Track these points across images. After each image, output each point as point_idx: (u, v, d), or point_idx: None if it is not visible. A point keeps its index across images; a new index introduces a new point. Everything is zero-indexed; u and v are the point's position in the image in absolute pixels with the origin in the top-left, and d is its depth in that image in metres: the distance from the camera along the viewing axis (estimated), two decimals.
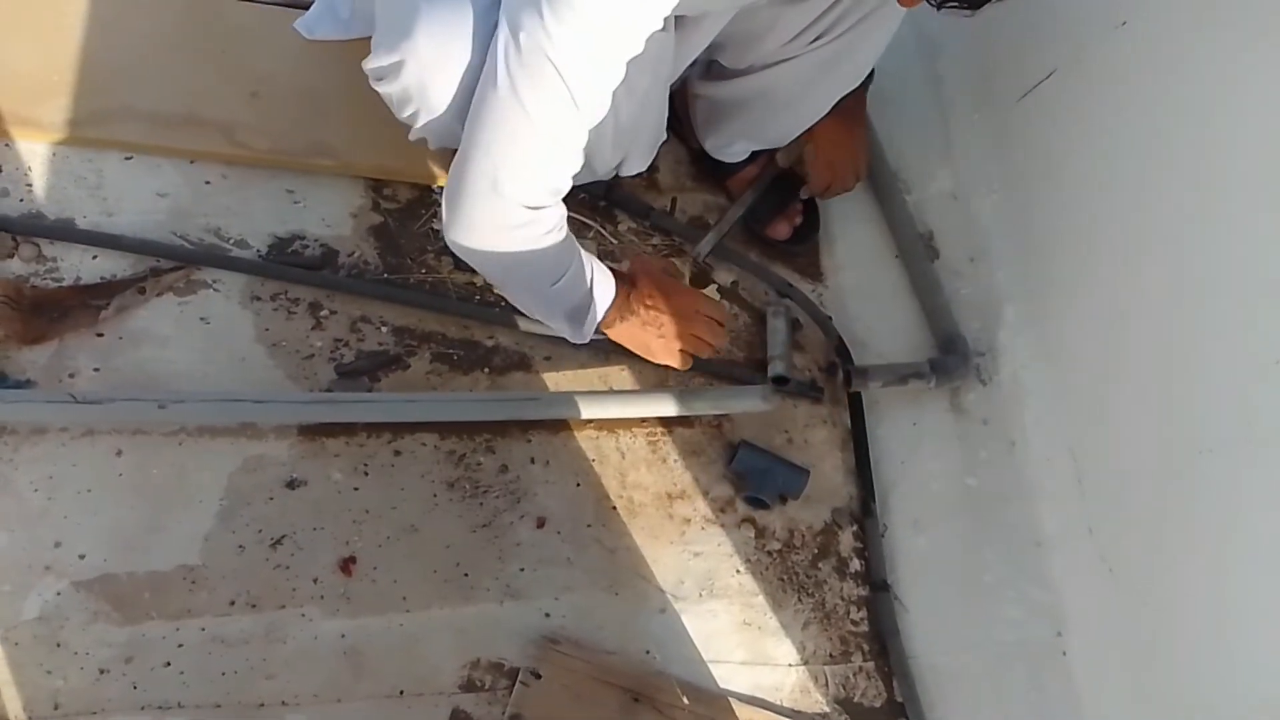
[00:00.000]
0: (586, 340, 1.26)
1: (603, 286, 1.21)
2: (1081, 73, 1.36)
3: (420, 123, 1.20)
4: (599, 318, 1.22)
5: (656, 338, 1.27)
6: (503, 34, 0.99)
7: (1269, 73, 1.07)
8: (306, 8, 1.50)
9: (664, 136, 1.42)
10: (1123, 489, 1.27)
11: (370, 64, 1.18)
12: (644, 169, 1.41)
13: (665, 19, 1.03)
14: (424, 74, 1.12)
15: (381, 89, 1.20)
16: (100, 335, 1.29)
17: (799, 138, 1.48)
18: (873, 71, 1.42)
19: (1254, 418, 1.09)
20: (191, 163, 1.41)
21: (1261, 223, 1.07)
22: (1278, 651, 1.06)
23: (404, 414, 1.33)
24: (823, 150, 1.46)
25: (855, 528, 1.45)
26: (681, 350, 1.29)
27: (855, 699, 1.36)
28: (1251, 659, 1.09)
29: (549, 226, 1.11)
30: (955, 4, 0.91)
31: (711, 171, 1.58)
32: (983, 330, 1.49)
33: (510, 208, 1.07)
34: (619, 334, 1.27)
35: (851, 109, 1.45)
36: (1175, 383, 1.19)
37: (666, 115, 1.37)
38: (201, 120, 1.41)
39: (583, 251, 1.20)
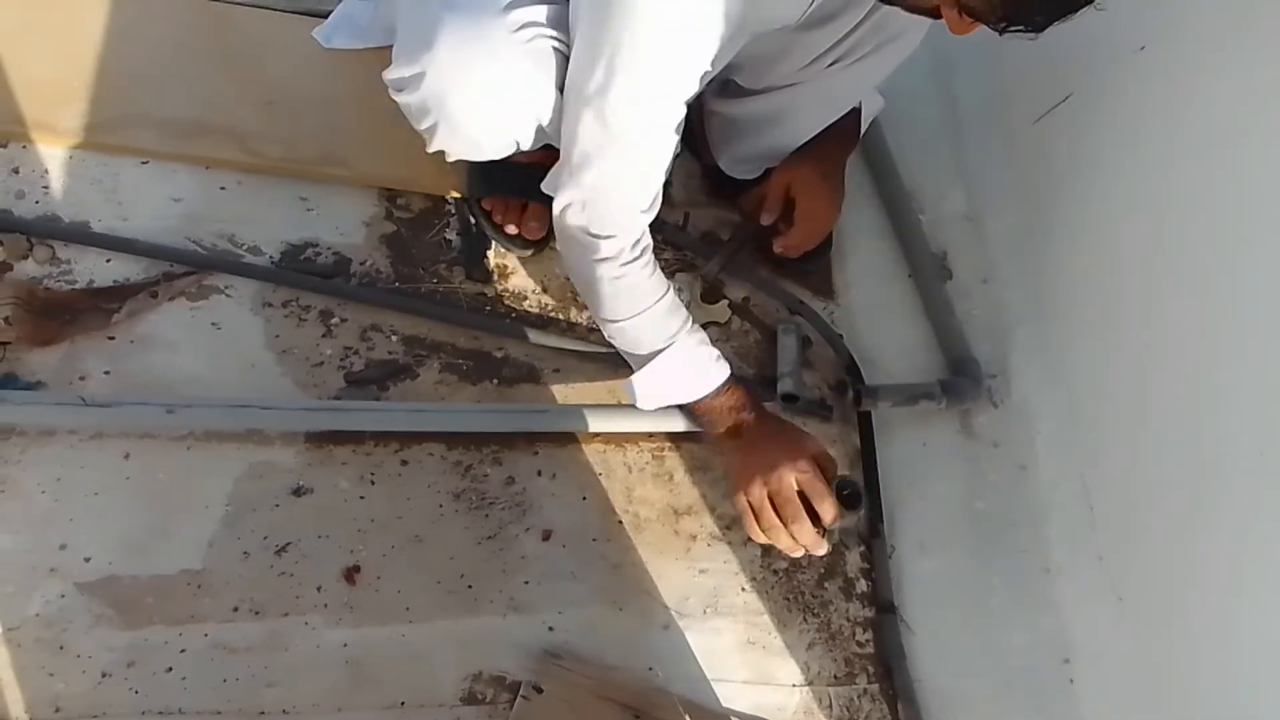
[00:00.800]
0: (643, 405, 1.27)
1: (695, 367, 1.22)
2: (1098, 97, 1.35)
3: (439, 134, 1.21)
4: (675, 391, 1.24)
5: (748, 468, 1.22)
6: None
7: None
8: (324, 16, 1.51)
9: (678, 150, 1.42)
10: (1134, 517, 1.26)
11: (390, 74, 1.19)
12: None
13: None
14: (444, 86, 1.13)
15: (401, 99, 1.21)
16: (111, 338, 1.30)
17: (776, 189, 1.44)
18: (858, 116, 1.42)
19: (1270, 446, 1.08)
20: (206, 169, 1.41)
21: None
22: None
23: (412, 424, 1.33)
24: (805, 209, 1.41)
25: (862, 548, 1.44)
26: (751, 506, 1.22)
27: None
28: (1261, 693, 1.07)
29: (603, 254, 1.14)
30: (1019, 28, 0.90)
31: (724, 187, 1.57)
32: (994, 352, 1.48)
33: (571, 233, 1.14)
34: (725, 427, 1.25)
35: (835, 158, 1.42)
36: (1190, 410, 1.18)
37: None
38: (217, 127, 1.42)
39: (684, 332, 1.20)
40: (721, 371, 1.24)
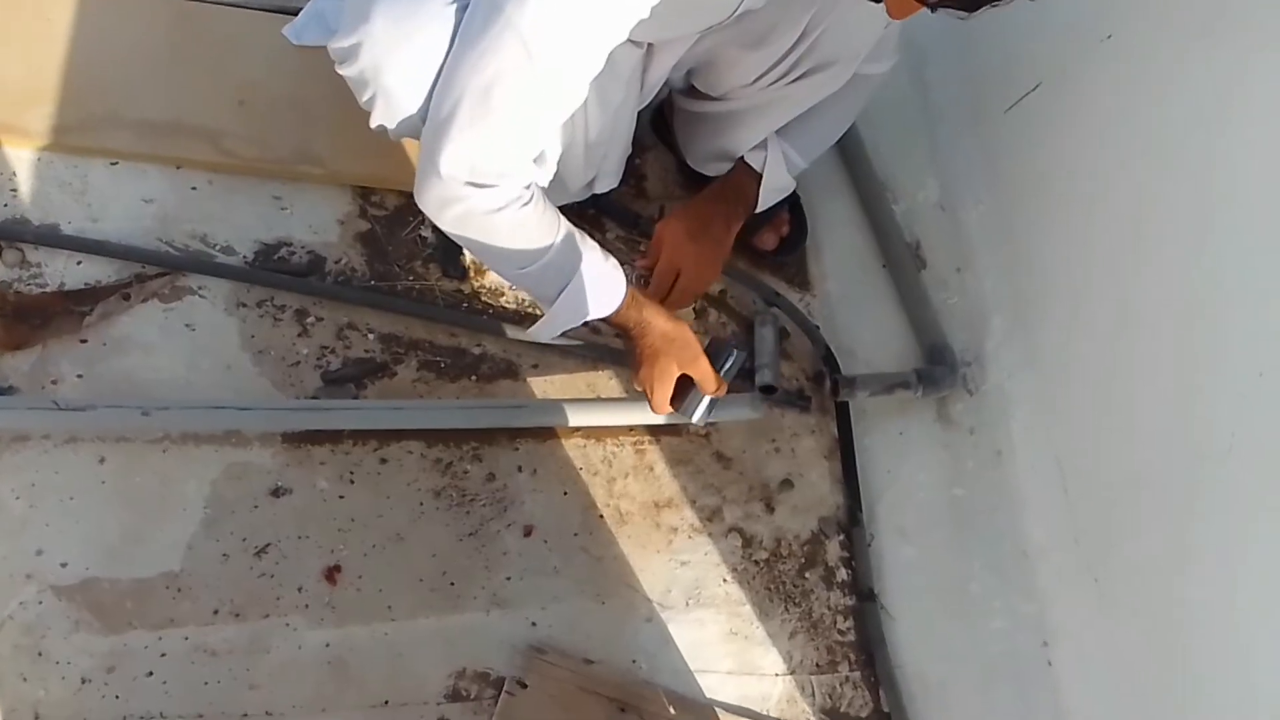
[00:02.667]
0: (548, 338, 1.26)
1: (598, 288, 1.20)
2: (1068, 85, 1.37)
3: (377, 108, 1.20)
4: (585, 317, 1.20)
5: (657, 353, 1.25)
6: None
7: (1255, 84, 1.08)
8: (294, 13, 1.50)
9: (630, 152, 1.42)
10: (1110, 499, 1.27)
11: (332, 45, 1.18)
12: (615, 185, 1.42)
13: (637, 40, 1.04)
14: (378, 57, 1.12)
15: (343, 72, 1.19)
16: (84, 341, 1.29)
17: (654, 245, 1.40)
18: (757, 182, 1.41)
19: (1243, 427, 1.09)
20: (178, 169, 1.40)
21: (1252, 231, 1.08)
22: (1265, 658, 1.06)
23: (390, 421, 1.33)
24: (681, 283, 1.37)
25: (842, 537, 1.45)
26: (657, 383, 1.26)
27: (842, 709, 1.36)
28: (1237, 668, 1.09)
29: (495, 205, 1.09)
30: (950, 5, 0.91)
31: (698, 181, 1.58)
32: (970, 340, 1.49)
33: (450, 182, 1.07)
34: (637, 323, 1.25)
35: (708, 217, 1.38)
36: (1164, 392, 1.19)
37: (633, 133, 1.38)
38: (188, 127, 1.41)
39: (587, 252, 1.18)
40: (621, 277, 1.22)
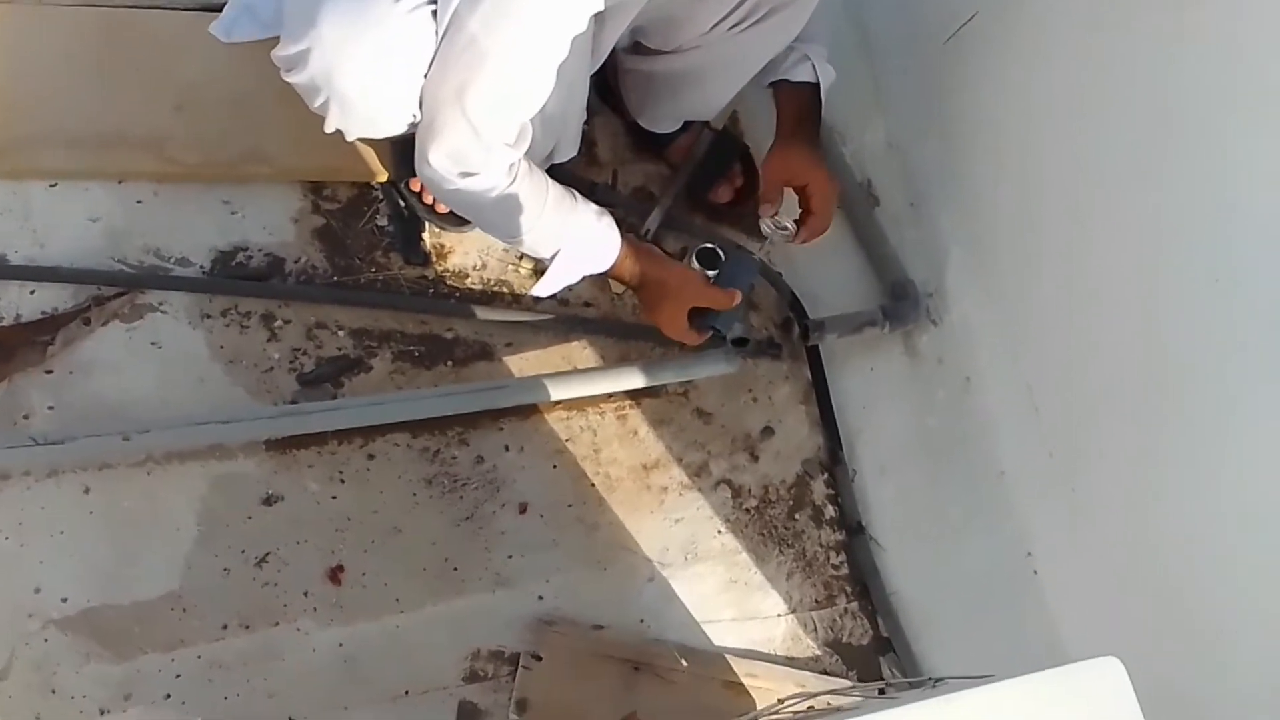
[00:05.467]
0: (547, 294, 1.29)
1: (593, 246, 1.24)
2: (1005, 11, 1.39)
3: (332, 112, 1.19)
4: (581, 274, 1.25)
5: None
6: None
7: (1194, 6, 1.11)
8: (216, 9, 1.45)
9: (584, 117, 1.42)
10: (1080, 412, 1.32)
11: (278, 53, 1.17)
12: (575, 154, 1.42)
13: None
14: (330, 61, 1.11)
15: (291, 79, 1.19)
16: (50, 372, 1.26)
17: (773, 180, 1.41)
18: (817, 91, 1.41)
19: (1203, 330, 1.14)
20: (120, 183, 1.37)
21: (1201, 143, 1.11)
22: (1235, 542, 1.12)
23: (372, 417, 1.33)
24: (816, 196, 1.38)
25: (826, 476, 1.49)
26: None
27: (844, 640, 1.41)
28: (1210, 555, 1.15)
29: (483, 187, 1.14)
30: None
31: (648, 142, 1.58)
32: (930, 273, 1.52)
33: (439, 174, 1.13)
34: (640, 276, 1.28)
35: (814, 136, 1.40)
36: (1126, 305, 1.23)
37: (587, 99, 1.38)
38: (126, 139, 1.37)
39: (580, 213, 1.22)
40: (616, 233, 1.26)
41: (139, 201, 1.37)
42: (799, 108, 1.39)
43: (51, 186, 1.34)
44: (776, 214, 1.38)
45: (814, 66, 1.38)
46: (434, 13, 1.07)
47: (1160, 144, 1.16)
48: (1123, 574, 1.29)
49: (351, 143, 1.35)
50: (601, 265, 1.25)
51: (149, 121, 1.38)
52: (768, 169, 1.39)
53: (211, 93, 1.40)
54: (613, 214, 1.52)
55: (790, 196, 1.37)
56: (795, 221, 1.38)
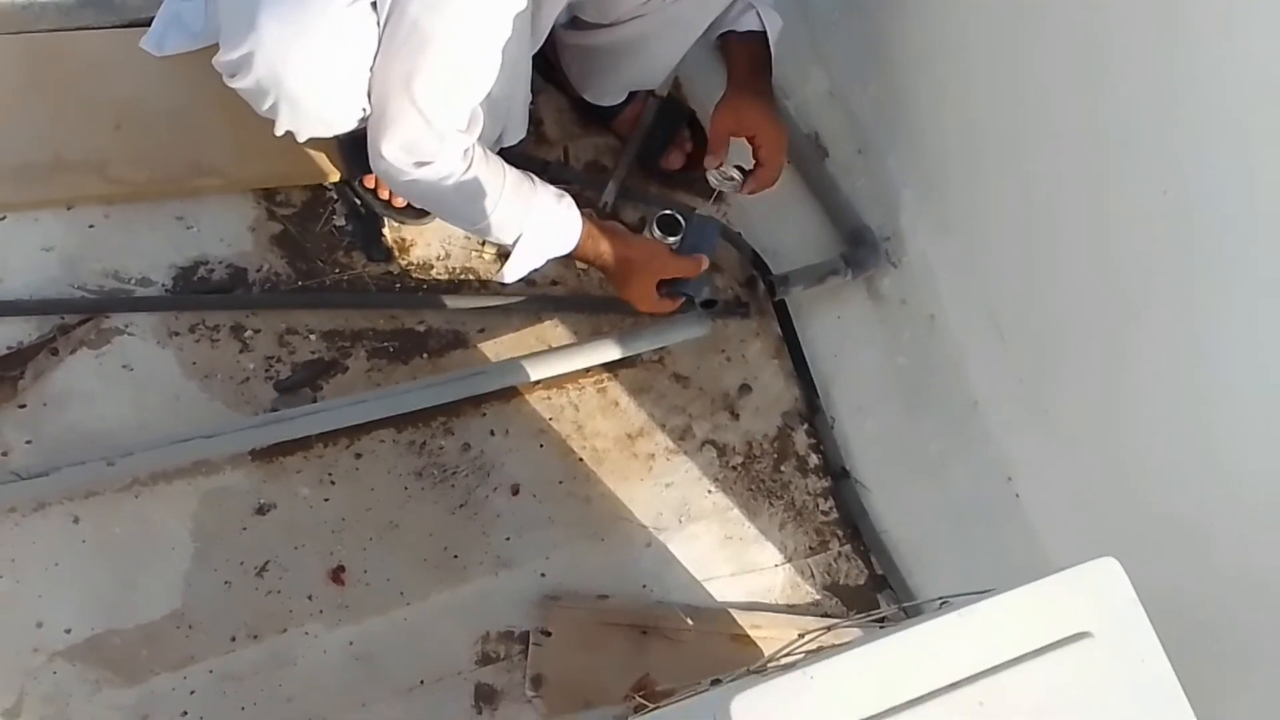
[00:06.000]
0: (514, 279, 1.29)
1: (554, 229, 1.25)
2: None
3: (282, 114, 1.18)
4: (545, 257, 1.26)
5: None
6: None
7: None
8: (145, 23, 1.43)
9: (530, 99, 1.42)
10: (1044, 335, 1.37)
11: (220, 59, 1.16)
12: (523, 135, 1.42)
13: None
14: (275, 63, 1.11)
15: (236, 85, 1.18)
16: (23, 406, 1.24)
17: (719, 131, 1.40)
18: (765, 38, 1.39)
19: (1155, 242, 1.18)
20: (69, 209, 1.35)
21: (1142, 57, 1.14)
22: (1207, 438, 1.17)
23: (355, 416, 1.33)
24: (765, 146, 1.36)
25: (806, 426, 1.52)
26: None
27: (841, 582, 1.45)
28: (1186, 453, 1.20)
29: (438, 176, 1.15)
30: None
31: (595, 116, 1.59)
32: (885, 217, 1.55)
33: (394, 166, 1.14)
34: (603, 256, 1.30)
35: (765, 86, 1.38)
36: (1078, 224, 1.27)
37: (530, 80, 1.38)
38: (70, 164, 1.35)
39: (539, 196, 1.23)
40: (576, 213, 1.27)
41: (91, 226, 1.35)
42: (748, 58, 1.38)
43: (0, 220, 1.32)
44: (721, 165, 1.38)
45: (759, 14, 1.37)
46: (374, 4, 1.07)
47: (1097, 61, 1.20)
48: (1101, 484, 1.34)
49: (299, 146, 1.34)
50: (565, 246, 1.26)
51: (89, 144, 1.36)
52: (715, 120, 1.38)
53: (149, 108, 1.39)
54: (569, 191, 1.53)
55: (742, 147, 1.37)
56: (741, 170, 1.38)
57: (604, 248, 1.28)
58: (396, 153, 1.13)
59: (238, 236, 1.40)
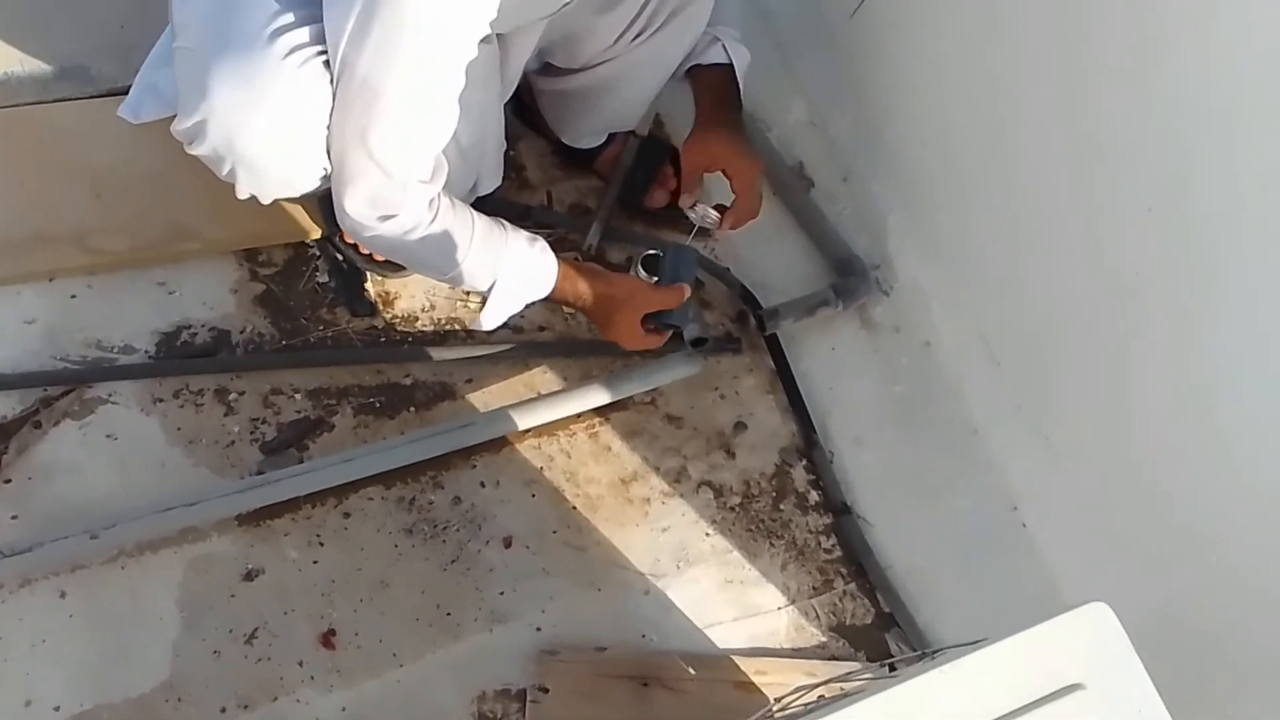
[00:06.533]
0: (493, 326, 1.27)
1: (530, 273, 1.24)
2: None
3: (241, 179, 1.18)
4: (523, 303, 1.25)
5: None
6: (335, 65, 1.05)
7: None
8: (124, 91, 1.44)
9: (505, 146, 1.41)
10: (1040, 360, 1.34)
11: (176, 127, 1.15)
12: (499, 183, 1.42)
13: (485, 37, 1.05)
14: (228, 129, 1.10)
15: (194, 152, 1.17)
16: (8, 482, 1.24)
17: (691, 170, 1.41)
18: (732, 72, 1.39)
19: (1145, 260, 1.16)
20: (51, 281, 1.35)
21: (1121, 72, 1.12)
22: (1213, 451, 1.14)
23: (342, 475, 1.31)
24: (739, 181, 1.36)
25: (804, 462, 1.49)
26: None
27: (847, 622, 1.41)
28: (1193, 467, 1.17)
29: (403, 229, 1.14)
30: None
31: (576, 158, 1.58)
32: (873, 244, 1.53)
33: (358, 222, 1.14)
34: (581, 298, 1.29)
35: (734, 120, 1.38)
36: (1067, 247, 1.25)
37: (504, 127, 1.37)
38: (50, 236, 1.35)
39: (511, 241, 1.22)
40: (551, 257, 1.25)
41: (73, 296, 1.35)
42: (714, 91, 1.37)
43: None
44: (696, 203, 1.37)
45: (724, 47, 1.36)
46: (325, 62, 1.06)
47: (1076, 78, 1.18)
48: (1109, 507, 1.31)
49: (278, 205, 1.34)
50: (541, 290, 1.24)
51: (70, 215, 1.36)
52: (685, 156, 1.38)
53: (127, 176, 1.39)
54: (553, 234, 1.53)
55: (721, 181, 1.36)
56: (723, 206, 1.37)
57: (583, 288, 1.26)
58: (360, 207, 1.12)
59: (220, 299, 1.40)
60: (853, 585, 1.43)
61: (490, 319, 1.25)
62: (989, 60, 1.30)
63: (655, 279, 1.42)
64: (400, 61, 1.01)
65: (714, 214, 1.36)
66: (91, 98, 1.45)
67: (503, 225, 1.22)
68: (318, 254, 1.46)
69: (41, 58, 1.45)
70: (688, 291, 1.31)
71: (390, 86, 1.03)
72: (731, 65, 1.37)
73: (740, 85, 1.38)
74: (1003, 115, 1.31)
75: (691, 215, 1.38)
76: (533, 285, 1.24)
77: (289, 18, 1.05)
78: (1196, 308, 1.11)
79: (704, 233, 1.42)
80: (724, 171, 1.35)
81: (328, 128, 1.10)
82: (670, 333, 1.34)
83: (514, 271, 1.22)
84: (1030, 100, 1.26)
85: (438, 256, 1.18)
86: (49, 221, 1.35)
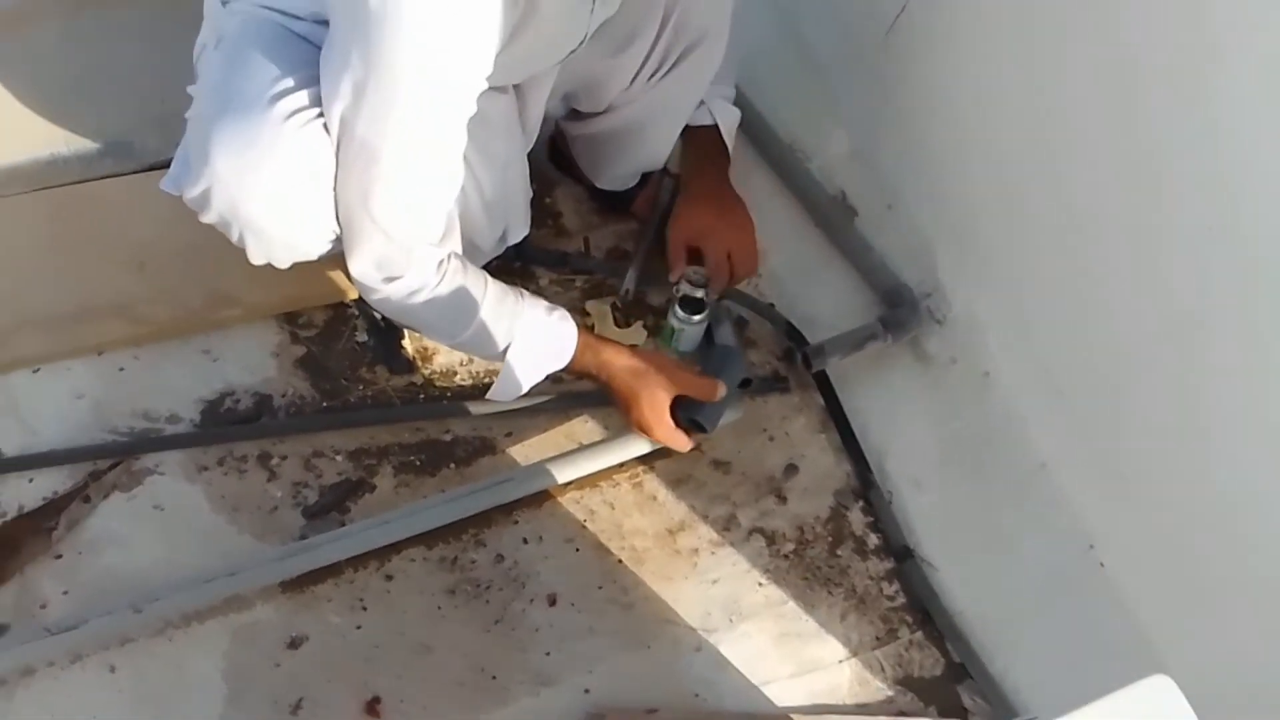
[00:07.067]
0: (510, 398, 1.26)
1: (547, 341, 1.21)
2: None
3: (250, 244, 1.18)
4: (542, 373, 1.22)
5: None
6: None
7: None
8: (164, 165, 1.47)
9: (530, 194, 1.40)
10: (1107, 387, 1.25)
11: (186, 196, 1.16)
12: (527, 230, 1.40)
13: (501, 88, 1.04)
14: (232, 195, 1.11)
15: (205, 220, 1.18)
16: (59, 557, 1.25)
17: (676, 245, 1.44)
18: (718, 133, 1.42)
19: (1207, 280, 1.07)
20: (99, 354, 1.37)
21: (1171, 83, 1.05)
22: None
23: (383, 537, 1.30)
24: (731, 246, 1.39)
25: (861, 504, 1.42)
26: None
27: (915, 674, 1.33)
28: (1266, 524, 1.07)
29: (410, 290, 1.13)
30: None
31: (613, 202, 1.56)
32: (922, 272, 1.46)
33: (364, 284, 1.14)
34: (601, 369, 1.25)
35: (715, 185, 1.41)
36: (1125, 268, 1.17)
37: (528, 176, 1.36)
38: (97, 309, 1.38)
39: (528, 309, 1.20)
40: (570, 325, 1.23)
41: (121, 369, 1.37)
42: (701, 151, 1.40)
43: (34, 372, 1.35)
44: (681, 277, 1.39)
45: (710, 110, 1.39)
46: (324, 119, 1.06)
47: (1126, 87, 1.10)
48: (1194, 544, 1.20)
49: (316, 266, 1.34)
50: (559, 360, 1.21)
51: (115, 288, 1.39)
52: (671, 232, 1.40)
53: (168, 247, 1.41)
54: (590, 279, 1.51)
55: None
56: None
57: (607, 358, 1.22)
58: (365, 269, 1.12)
59: (261, 364, 1.41)
60: (919, 634, 1.35)
61: (502, 390, 1.23)
62: (1032, 71, 1.23)
63: (694, 318, 1.39)
64: (395, 121, 0.99)
65: (702, 280, 1.37)
66: (135, 172, 1.49)
67: (520, 293, 1.20)
68: (356, 313, 1.46)
69: (87, 135, 1.49)
70: (724, 390, 1.25)
71: (388, 148, 1.01)
72: (717, 126, 1.40)
73: (730, 143, 1.41)
74: (1050, 128, 1.23)
75: (682, 289, 1.38)
76: (550, 355, 1.20)
77: (289, 81, 1.05)
78: (1269, 331, 1.01)
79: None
80: (708, 244, 1.37)
81: (334, 190, 1.09)
82: (698, 432, 1.28)
83: (529, 338, 1.19)
84: (1078, 112, 1.18)
85: (446, 320, 1.16)
86: (95, 295, 1.38)
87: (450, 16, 0.93)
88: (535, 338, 1.19)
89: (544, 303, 1.21)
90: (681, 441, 1.27)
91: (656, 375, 1.22)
